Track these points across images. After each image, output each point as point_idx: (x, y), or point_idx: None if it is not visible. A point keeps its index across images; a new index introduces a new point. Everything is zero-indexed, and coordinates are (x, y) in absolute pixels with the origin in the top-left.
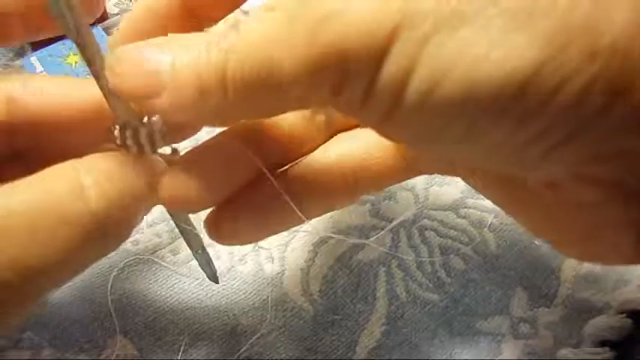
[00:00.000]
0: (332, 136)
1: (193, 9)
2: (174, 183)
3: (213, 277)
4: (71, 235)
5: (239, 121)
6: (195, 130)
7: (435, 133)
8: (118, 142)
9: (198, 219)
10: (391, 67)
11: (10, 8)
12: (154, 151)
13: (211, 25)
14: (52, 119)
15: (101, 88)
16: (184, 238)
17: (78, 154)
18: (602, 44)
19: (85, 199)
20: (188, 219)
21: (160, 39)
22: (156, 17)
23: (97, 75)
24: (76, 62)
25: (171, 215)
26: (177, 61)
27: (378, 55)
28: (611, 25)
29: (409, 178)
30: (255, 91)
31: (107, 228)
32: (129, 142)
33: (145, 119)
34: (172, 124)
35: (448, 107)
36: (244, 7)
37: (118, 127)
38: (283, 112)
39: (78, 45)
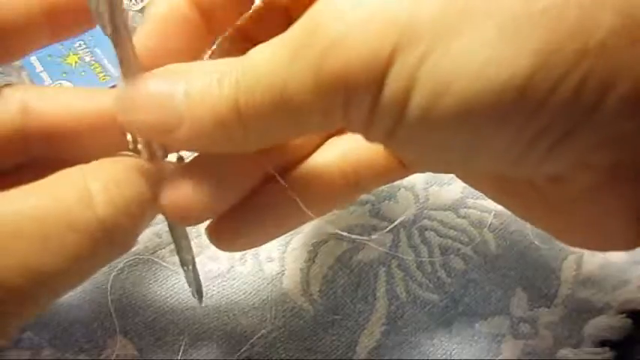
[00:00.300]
0: (328, 138)
1: (208, 11)
2: (175, 193)
3: (199, 295)
4: (79, 241)
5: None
6: None
7: (439, 145)
8: (131, 146)
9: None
10: (392, 86)
11: (10, 25)
12: (165, 157)
13: (222, 34)
14: (66, 127)
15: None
16: (178, 253)
17: (92, 160)
18: (592, 43)
19: (92, 206)
20: (185, 233)
21: (168, 68)
22: (176, 19)
23: (126, 73)
24: (75, 62)
25: (170, 229)
26: (191, 90)
27: (378, 76)
28: (599, 25)
29: (409, 175)
30: (267, 118)
31: (114, 235)
32: (140, 146)
33: None
34: None
35: (450, 119)
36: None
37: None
38: (298, 136)
39: (113, 41)
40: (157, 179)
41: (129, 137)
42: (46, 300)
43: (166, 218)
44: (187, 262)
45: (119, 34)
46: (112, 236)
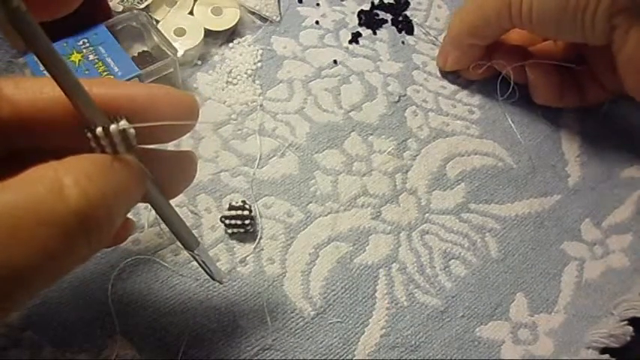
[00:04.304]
0: None
1: None
2: None
3: (214, 276)
4: (53, 234)
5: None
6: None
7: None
8: (92, 144)
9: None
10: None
11: None
12: (129, 151)
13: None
14: (44, 117)
15: (64, 91)
16: (180, 240)
17: (68, 148)
18: None
19: (65, 199)
20: (180, 218)
21: None
22: None
23: (60, 81)
24: (79, 60)
25: (163, 218)
26: None
27: None
28: None
29: None
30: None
31: (89, 227)
32: (103, 142)
33: (122, 123)
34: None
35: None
36: None
37: (92, 129)
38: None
39: (35, 54)
40: (126, 171)
41: (89, 135)
42: (22, 296)
43: (155, 209)
44: (192, 246)
45: (41, 48)
46: (87, 228)
